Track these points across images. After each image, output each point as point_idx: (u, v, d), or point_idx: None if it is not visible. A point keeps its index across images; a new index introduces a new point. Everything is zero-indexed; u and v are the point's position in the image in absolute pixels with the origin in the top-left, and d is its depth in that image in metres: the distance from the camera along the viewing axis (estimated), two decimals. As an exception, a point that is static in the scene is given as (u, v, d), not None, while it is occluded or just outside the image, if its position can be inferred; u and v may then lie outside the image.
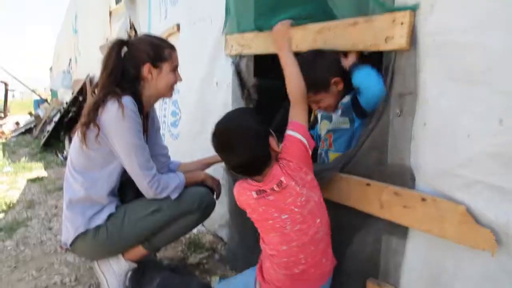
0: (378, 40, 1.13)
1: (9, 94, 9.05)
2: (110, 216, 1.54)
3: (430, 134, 1.04)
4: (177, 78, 1.62)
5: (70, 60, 7.58)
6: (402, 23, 1.05)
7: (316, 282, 1.27)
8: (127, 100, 1.42)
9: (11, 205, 2.98)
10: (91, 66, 5.45)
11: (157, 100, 1.67)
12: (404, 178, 1.14)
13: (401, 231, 1.17)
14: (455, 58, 0.95)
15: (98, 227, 1.52)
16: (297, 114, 1.26)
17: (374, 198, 1.20)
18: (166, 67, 1.54)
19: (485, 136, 0.90)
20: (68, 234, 1.55)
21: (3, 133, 6.44)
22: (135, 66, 1.51)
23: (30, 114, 7.85)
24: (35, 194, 3.28)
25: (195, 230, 2.40)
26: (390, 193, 1.15)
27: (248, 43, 1.80)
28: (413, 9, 1.03)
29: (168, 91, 1.61)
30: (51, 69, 12.24)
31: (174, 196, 1.57)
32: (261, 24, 1.70)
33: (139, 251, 1.64)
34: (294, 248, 1.22)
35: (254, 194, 1.22)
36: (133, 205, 1.58)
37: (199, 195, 1.62)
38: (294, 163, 1.21)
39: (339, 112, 1.47)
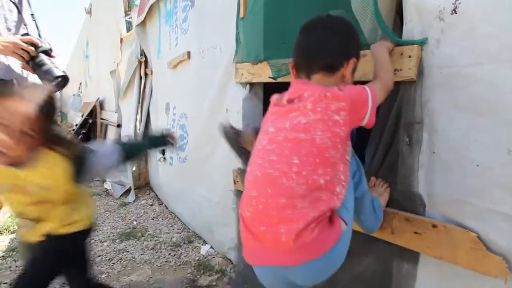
0: (387, 72, 1.18)
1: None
2: None
3: (440, 162, 1.08)
4: None
5: (80, 84, 7.76)
6: (410, 56, 1.11)
7: (268, 251, 0.93)
8: None
9: (22, 226, 3.02)
10: (101, 90, 5.59)
11: None
12: (414, 204, 1.16)
13: (413, 257, 1.19)
14: (461, 90, 1.00)
15: None
16: (375, 83, 1.05)
17: (386, 224, 1.22)
18: None
19: (494, 166, 0.94)
20: None
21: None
22: None
23: (40, 135, 7.95)
24: (45, 216, 3.31)
25: (204, 252, 2.42)
26: (401, 219, 1.18)
27: (258, 72, 1.87)
28: (421, 43, 1.08)
29: None
30: (61, 92, 12.46)
31: None
32: (270, 55, 1.77)
33: None
34: (255, 176, 0.97)
35: (274, 99, 1.07)
36: None
37: None
38: (341, 94, 0.94)
39: None
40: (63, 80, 1.61)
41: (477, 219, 1.00)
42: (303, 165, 0.91)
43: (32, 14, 1.71)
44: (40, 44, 1.59)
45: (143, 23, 3.70)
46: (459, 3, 0.96)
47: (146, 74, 3.82)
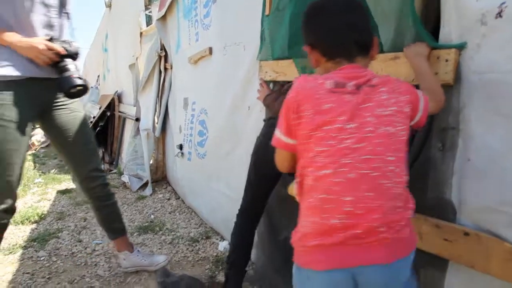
0: (420, 75, 1.16)
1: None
2: None
3: (475, 169, 1.05)
4: None
5: (98, 76, 7.84)
6: (447, 60, 1.08)
7: (373, 251, 0.85)
8: None
9: (43, 216, 3.08)
10: (119, 83, 5.64)
11: None
12: (445, 211, 1.14)
13: (441, 264, 1.17)
14: (502, 96, 0.97)
15: None
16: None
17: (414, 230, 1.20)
18: None
19: (535, 175, 0.91)
20: None
21: (33, 144, 6.66)
22: None
23: (58, 126, 8.09)
24: (64, 206, 3.37)
25: (221, 248, 2.43)
26: (431, 225, 1.15)
27: (283, 70, 1.85)
28: (460, 47, 1.05)
29: None
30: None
31: None
32: (295, 53, 1.75)
33: None
34: (346, 178, 0.85)
35: (329, 84, 0.91)
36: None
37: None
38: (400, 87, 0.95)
39: None
40: (82, 89, 1.67)
41: (513, 229, 0.97)
42: (396, 162, 0.88)
43: (66, 13, 1.74)
44: (64, 52, 1.62)
45: (163, 18, 3.71)
46: (505, 6, 0.92)
47: (165, 69, 3.84)
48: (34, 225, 2.90)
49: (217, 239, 2.61)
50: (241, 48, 2.24)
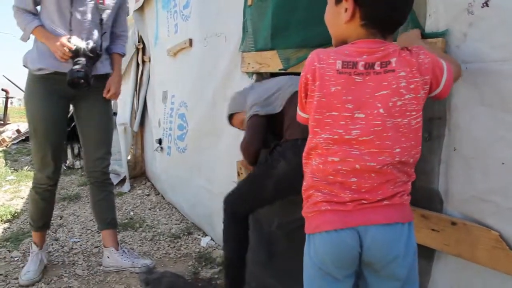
0: (407, 65, 1.15)
1: (8, 101, 9.00)
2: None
3: (461, 159, 1.05)
4: None
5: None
6: (433, 50, 1.07)
7: (378, 213, 0.88)
8: None
9: (16, 214, 2.95)
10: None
11: None
12: (432, 201, 1.14)
13: (428, 253, 1.17)
14: (489, 86, 0.97)
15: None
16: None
17: (401, 220, 1.20)
18: None
19: (521, 164, 0.91)
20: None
21: (4, 140, 6.39)
22: None
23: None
24: (39, 204, 3.24)
25: (204, 244, 2.39)
26: (417, 216, 1.15)
27: (266, 61, 1.82)
28: (442, 35, 1.05)
29: None
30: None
31: (21, 37, 1.89)
32: (277, 44, 1.73)
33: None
34: (353, 167, 0.87)
35: (339, 65, 0.87)
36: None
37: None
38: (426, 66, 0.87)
39: None
40: (82, 81, 1.83)
41: (499, 218, 0.98)
42: (405, 151, 0.88)
43: (101, 19, 1.98)
44: (72, 48, 1.81)
45: (141, 9, 3.61)
46: (492, -4, 0.92)
47: (143, 62, 3.74)
48: (6, 224, 2.77)
49: (199, 234, 2.57)
50: (222, 39, 2.20)
